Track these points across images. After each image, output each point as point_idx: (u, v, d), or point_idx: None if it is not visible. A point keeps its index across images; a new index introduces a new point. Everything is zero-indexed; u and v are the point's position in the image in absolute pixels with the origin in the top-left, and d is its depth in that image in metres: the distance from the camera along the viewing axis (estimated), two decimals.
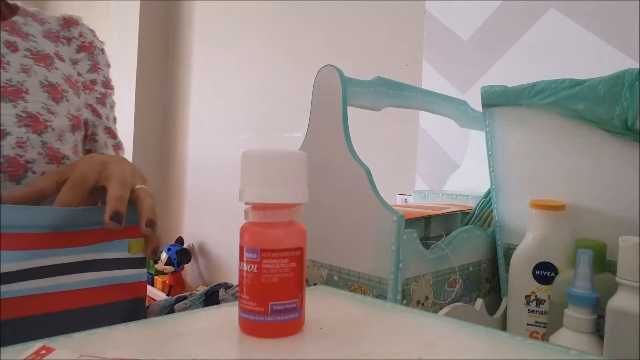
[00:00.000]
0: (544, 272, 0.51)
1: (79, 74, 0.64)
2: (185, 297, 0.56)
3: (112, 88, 0.69)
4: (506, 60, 1.02)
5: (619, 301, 0.40)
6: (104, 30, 2.57)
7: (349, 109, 0.53)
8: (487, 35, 1.05)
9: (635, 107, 0.47)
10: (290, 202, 0.31)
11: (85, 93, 0.64)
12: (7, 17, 0.59)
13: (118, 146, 0.70)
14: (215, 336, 0.31)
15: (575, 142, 0.52)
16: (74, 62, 0.64)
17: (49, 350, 0.26)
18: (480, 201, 0.65)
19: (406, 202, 0.90)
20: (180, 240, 2.14)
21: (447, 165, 1.12)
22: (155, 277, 2.15)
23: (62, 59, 0.62)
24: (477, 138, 0.82)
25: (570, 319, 0.43)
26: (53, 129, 0.55)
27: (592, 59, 0.87)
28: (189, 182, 2.23)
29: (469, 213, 0.66)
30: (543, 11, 0.95)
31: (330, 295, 0.41)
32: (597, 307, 0.42)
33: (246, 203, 0.32)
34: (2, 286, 0.37)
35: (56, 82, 0.58)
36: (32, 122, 0.53)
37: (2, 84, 0.53)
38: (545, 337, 0.50)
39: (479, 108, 0.62)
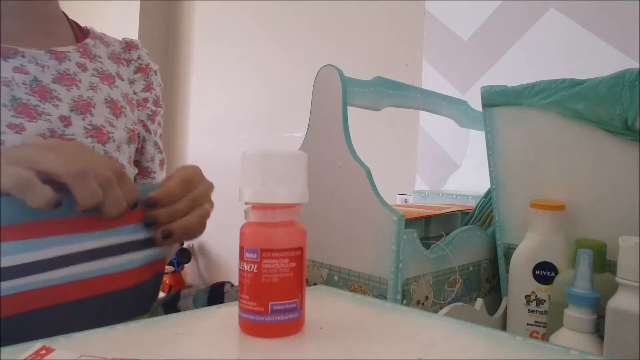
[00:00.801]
0: (544, 272, 0.51)
1: (135, 92, 0.70)
2: (178, 296, 0.56)
3: (161, 107, 0.75)
4: (506, 60, 1.02)
5: (619, 301, 0.40)
6: (104, 30, 2.57)
7: (349, 109, 0.53)
8: (487, 35, 1.05)
9: (635, 107, 0.47)
10: (290, 202, 0.31)
11: (139, 110, 0.70)
12: (80, 39, 0.66)
13: (163, 162, 0.76)
14: (215, 336, 0.31)
15: (575, 142, 0.52)
16: (131, 82, 0.71)
17: (49, 350, 0.26)
18: (480, 201, 0.65)
19: (406, 202, 0.90)
20: None
21: (447, 165, 1.12)
22: None
23: (121, 79, 0.68)
24: (477, 138, 0.82)
25: (570, 318, 0.43)
26: (114, 140, 0.61)
27: (592, 59, 0.87)
28: None
29: (469, 213, 0.66)
30: (543, 11, 0.95)
31: (330, 295, 0.41)
32: (597, 307, 0.42)
33: (246, 203, 0.32)
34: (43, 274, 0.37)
35: (116, 99, 0.64)
36: (97, 133, 0.59)
37: (75, 99, 0.59)
38: (545, 337, 0.50)
39: (479, 108, 0.62)
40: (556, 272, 0.51)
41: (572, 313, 0.43)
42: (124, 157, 0.63)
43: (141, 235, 0.43)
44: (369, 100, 0.57)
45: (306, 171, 0.33)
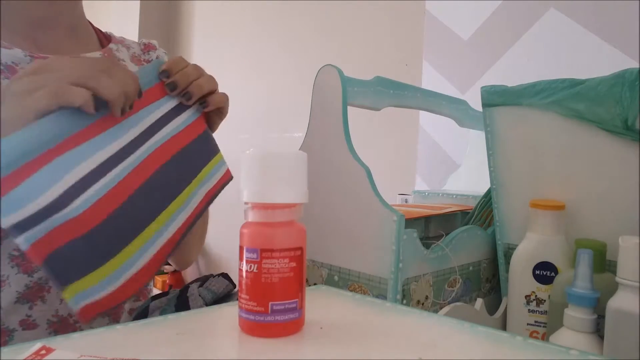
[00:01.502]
0: (544, 272, 0.51)
1: None
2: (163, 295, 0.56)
3: None
4: (506, 60, 1.02)
5: (619, 301, 0.40)
6: (104, 30, 2.57)
7: (349, 109, 0.53)
8: (487, 35, 1.05)
9: (635, 107, 0.47)
10: (290, 202, 0.31)
11: None
12: (104, 44, 0.69)
13: None
14: (215, 336, 0.31)
15: (575, 142, 0.52)
16: None
17: (49, 350, 0.26)
18: (480, 201, 0.65)
19: (406, 202, 0.90)
20: None
21: (447, 165, 1.12)
22: (155, 276, 2.15)
23: None
24: (477, 138, 0.82)
25: (570, 318, 0.43)
26: None
27: (592, 59, 0.87)
28: None
29: (469, 213, 0.66)
30: (543, 11, 0.95)
31: (330, 295, 0.41)
32: (597, 307, 0.42)
33: (246, 203, 0.32)
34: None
35: None
36: None
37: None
38: (545, 337, 0.50)
39: (479, 108, 0.62)
40: (556, 272, 0.51)
41: (572, 313, 0.43)
42: None
43: (171, 104, 0.48)
44: (369, 100, 0.57)
45: (306, 171, 0.33)
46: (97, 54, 0.65)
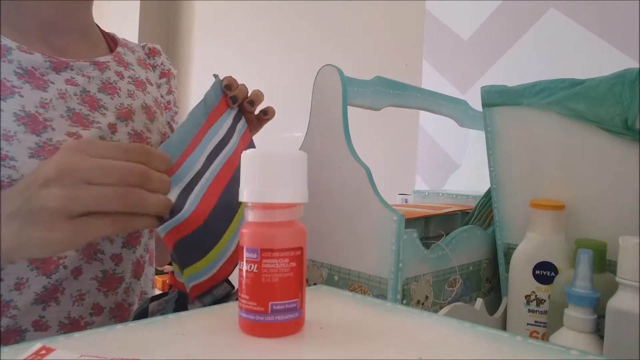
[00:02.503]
0: (544, 272, 0.51)
1: (162, 96, 0.76)
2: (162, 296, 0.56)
3: (178, 108, 0.82)
4: (506, 60, 1.02)
5: (619, 301, 0.40)
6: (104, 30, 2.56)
7: (349, 108, 0.53)
8: (487, 35, 1.05)
9: (635, 107, 0.47)
10: (290, 202, 0.31)
11: (165, 112, 0.76)
12: (113, 48, 0.70)
13: None
14: (215, 336, 0.31)
15: (575, 142, 0.52)
16: (158, 86, 0.76)
17: (49, 350, 0.26)
18: (480, 201, 0.65)
19: (406, 202, 0.90)
20: None
21: (447, 165, 1.12)
22: (156, 276, 2.14)
23: (151, 84, 0.73)
24: (477, 138, 0.82)
25: (570, 318, 0.43)
26: (151, 145, 0.66)
27: (592, 59, 0.87)
28: None
29: (469, 213, 0.66)
30: (543, 11, 0.95)
31: (330, 295, 0.41)
32: (597, 307, 0.42)
33: (246, 203, 0.32)
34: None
35: (150, 105, 0.69)
36: (138, 139, 0.64)
37: (117, 107, 0.63)
38: (545, 337, 0.50)
39: (479, 108, 0.62)
40: (556, 272, 0.51)
41: (572, 313, 0.43)
42: None
43: (232, 115, 0.57)
44: (369, 100, 0.57)
45: (306, 171, 0.33)
46: (108, 58, 0.66)
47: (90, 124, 0.59)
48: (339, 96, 0.52)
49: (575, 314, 0.42)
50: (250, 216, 0.32)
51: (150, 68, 0.75)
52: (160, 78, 0.76)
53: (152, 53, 0.77)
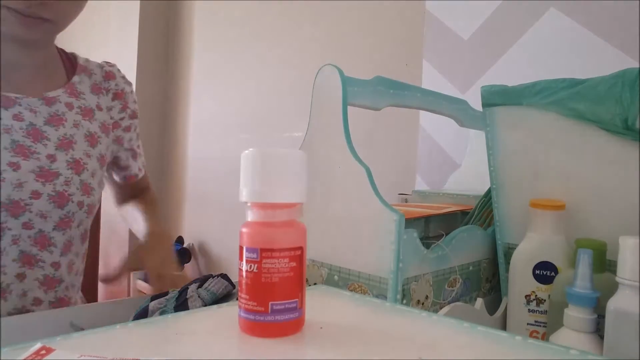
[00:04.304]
0: (544, 272, 0.51)
1: (111, 117, 0.82)
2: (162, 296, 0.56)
3: (137, 117, 0.87)
4: (506, 60, 1.02)
5: (619, 301, 0.40)
6: (104, 30, 2.57)
7: (349, 108, 0.53)
8: (487, 35, 1.05)
9: (635, 107, 0.47)
10: (290, 202, 0.31)
11: (114, 130, 0.82)
12: (70, 76, 0.77)
13: (135, 156, 0.90)
14: (215, 336, 0.31)
15: (575, 142, 0.52)
16: (109, 109, 0.82)
17: (49, 350, 0.26)
18: (480, 200, 0.65)
19: (406, 201, 0.90)
20: (180, 240, 2.14)
21: (447, 165, 1.12)
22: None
23: (100, 109, 0.79)
24: (477, 138, 0.82)
25: (570, 318, 0.43)
26: (88, 170, 0.73)
27: (592, 59, 0.87)
28: (189, 181, 2.23)
29: (469, 213, 0.66)
30: (543, 11, 0.95)
31: (330, 295, 0.41)
32: (597, 307, 0.42)
33: (246, 202, 0.32)
34: None
35: (94, 132, 0.76)
36: (75, 165, 0.71)
37: (60, 138, 0.70)
38: (545, 337, 0.50)
39: (479, 108, 0.62)
40: (556, 272, 0.51)
41: (572, 313, 0.43)
42: (96, 181, 0.76)
43: None
44: (369, 100, 0.57)
45: (306, 171, 0.33)
46: (60, 92, 0.73)
47: (30, 154, 0.66)
48: (339, 96, 0.52)
49: (575, 314, 0.42)
50: (250, 216, 0.32)
51: (104, 92, 0.81)
52: (112, 100, 0.82)
53: (108, 77, 0.82)
